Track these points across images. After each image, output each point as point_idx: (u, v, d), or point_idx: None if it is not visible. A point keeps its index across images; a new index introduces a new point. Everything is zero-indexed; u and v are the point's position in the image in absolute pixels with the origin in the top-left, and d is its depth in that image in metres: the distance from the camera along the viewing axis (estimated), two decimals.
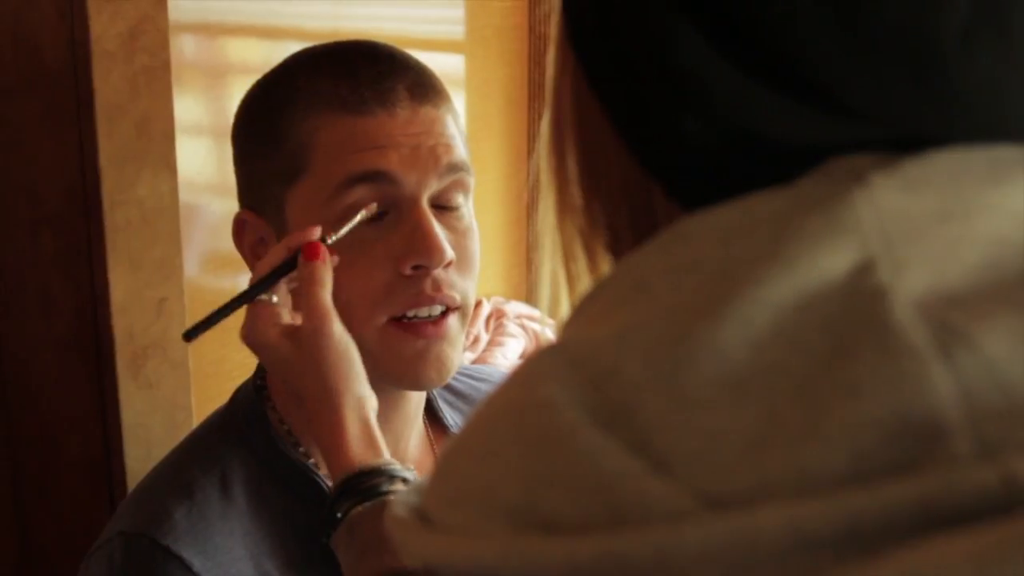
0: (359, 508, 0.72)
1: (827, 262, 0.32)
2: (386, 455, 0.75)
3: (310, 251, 0.78)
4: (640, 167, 0.39)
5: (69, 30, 1.09)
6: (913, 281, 0.32)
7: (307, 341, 0.76)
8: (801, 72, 0.35)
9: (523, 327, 1.85)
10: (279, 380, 0.83)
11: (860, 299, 0.31)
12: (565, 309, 0.45)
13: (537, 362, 0.35)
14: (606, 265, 0.43)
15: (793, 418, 0.30)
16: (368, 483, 0.73)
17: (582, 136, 0.42)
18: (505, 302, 1.92)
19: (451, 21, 1.88)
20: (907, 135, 0.35)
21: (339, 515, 0.73)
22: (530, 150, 2.02)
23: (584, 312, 0.38)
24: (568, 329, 0.38)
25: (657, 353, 0.32)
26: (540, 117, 1.87)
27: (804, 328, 0.31)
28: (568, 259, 0.44)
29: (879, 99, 0.35)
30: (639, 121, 0.39)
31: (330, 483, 0.86)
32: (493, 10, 1.91)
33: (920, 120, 0.35)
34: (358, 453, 0.74)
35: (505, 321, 1.84)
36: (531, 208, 1.85)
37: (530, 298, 2.04)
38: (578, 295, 0.44)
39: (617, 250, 0.42)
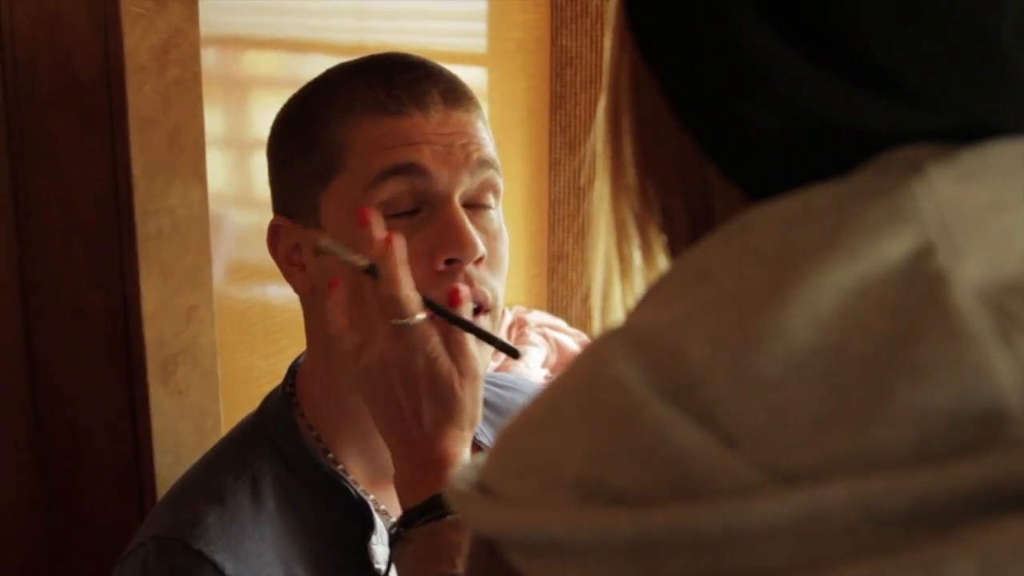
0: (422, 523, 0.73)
1: (887, 249, 0.33)
2: None
3: (453, 299, 0.79)
4: (696, 149, 0.40)
5: (103, 43, 1.11)
6: (972, 268, 0.32)
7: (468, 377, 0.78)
8: (863, 59, 0.35)
9: (545, 336, 1.86)
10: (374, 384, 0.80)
11: (921, 284, 0.32)
12: (616, 292, 0.45)
13: (603, 344, 0.36)
14: (659, 247, 0.43)
15: (859, 398, 0.31)
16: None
17: (639, 118, 0.42)
18: (527, 311, 1.93)
19: (474, 34, 1.90)
20: (965, 124, 0.36)
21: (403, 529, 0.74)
22: (552, 162, 2.03)
23: (649, 300, 0.38)
24: (633, 315, 0.39)
25: (721, 335, 0.33)
26: (562, 130, 1.88)
27: (867, 311, 0.32)
28: (621, 241, 0.44)
29: (938, 86, 0.35)
30: (698, 104, 0.39)
31: (359, 488, 0.87)
32: (515, 23, 1.93)
33: (978, 108, 0.36)
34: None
35: (527, 330, 1.85)
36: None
37: (552, 308, 2.05)
38: (631, 276, 0.45)
39: (671, 231, 0.43)
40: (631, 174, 0.43)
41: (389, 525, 0.76)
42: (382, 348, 0.77)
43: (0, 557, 1.20)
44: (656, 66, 0.40)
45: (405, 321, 0.77)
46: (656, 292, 0.38)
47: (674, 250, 0.43)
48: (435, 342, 0.77)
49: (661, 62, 0.40)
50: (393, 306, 0.77)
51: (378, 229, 0.80)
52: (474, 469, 0.38)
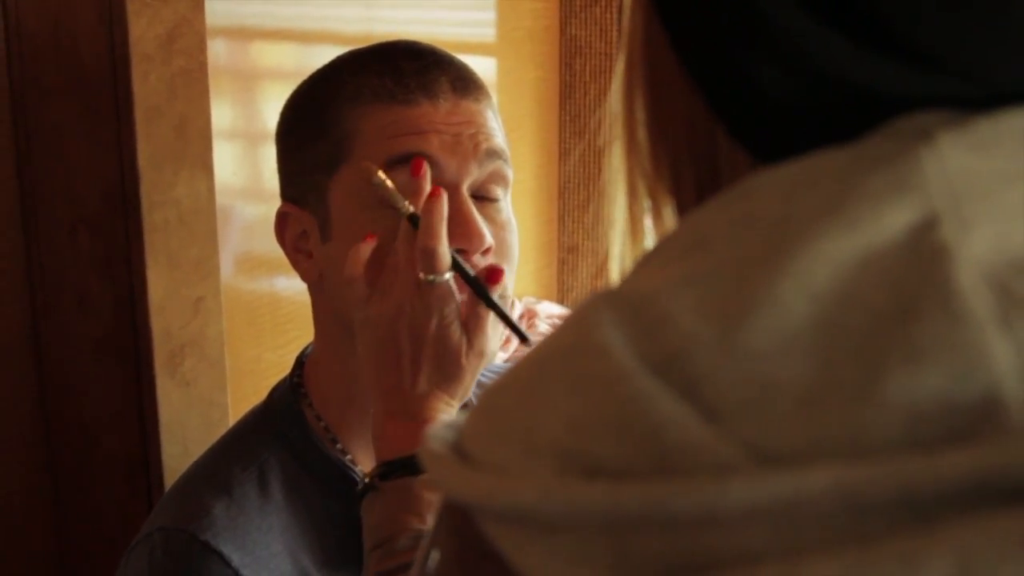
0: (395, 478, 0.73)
1: (890, 219, 0.32)
2: None
3: (494, 276, 0.79)
4: (705, 109, 0.39)
5: (108, 33, 1.10)
6: (978, 241, 0.31)
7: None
8: (876, 19, 0.34)
9: (554, 327, 1.86)
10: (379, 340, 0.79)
11: (923, 258, 0.31)
12: (628, 251, 0.44)
13: (590, 309, 0.35)
14: (668, 209, 0.42)
15: (850, 377, 0.30)
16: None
17: (651, 76, 0.41)
18: (536, 302, 1.92)
19: (482, 24, 1.89)
20: (981, 91, 0.34)
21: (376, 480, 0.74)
22: (561, 152, 2.02)
23: (645, 265, 0.37)
24: (627, 280, 0.37)
25: (711, 303, 0.32)
26: (571, 119, 1.87)
27: (865, 285, 0.31)
28: (632, 201, 0.43)
29: (954, 49, 0.34)
30: (709, 62, 0.38)
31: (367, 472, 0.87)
32: (524, 12, 1.92)
33: (995, 74, 0.34)
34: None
35: (536, 321, 1.85)
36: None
37: (561, 298, 2.04)
38: (641, 240, 0.44)
39: (679, 194, 0.42)
40: (642, 134, 0.42)
41: (361, 476, 0.76)
42: (399, 298, 0.77)
43: (9, 548, 1.20)
44: (668, 23, 0.40)
45: (433, 277, 0.76)
46: (653, 257, 0.37)
47: (682, 214, 0.42)
48: (453, 307, 0.77)
49: (673, 19, 0.39)
50: (427, 258, 0.76)
51: (427, 182, 0.79)
52: (452, 428, 0.37)
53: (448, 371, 0.77)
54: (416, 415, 0.76)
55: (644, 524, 0.30)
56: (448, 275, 0.77)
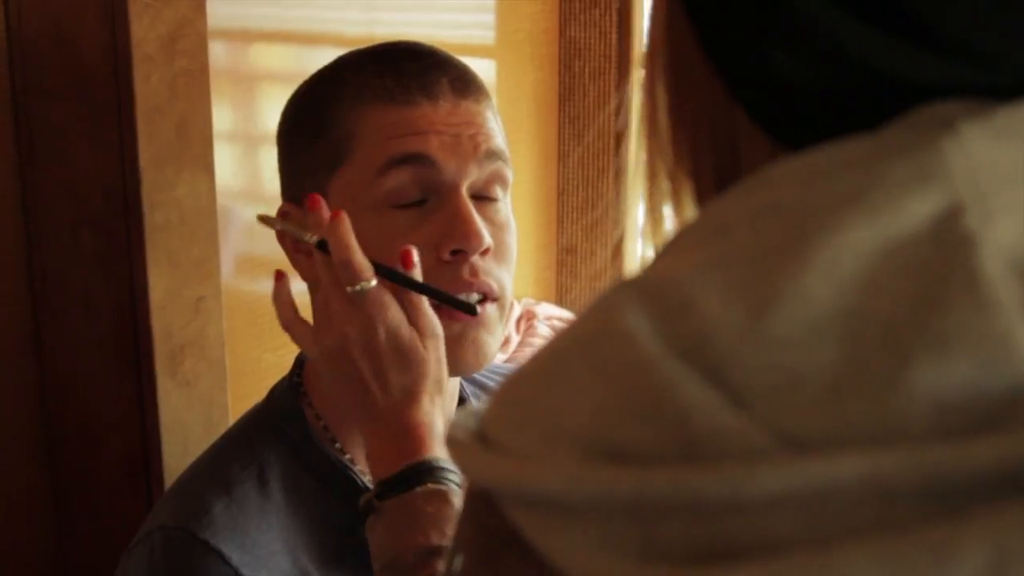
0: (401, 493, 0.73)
1: (914, 209, 0.32)
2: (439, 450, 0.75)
3: (406, 259, 0.79)
4: (725, 94, 0.39)
5: (110, 34, 1.10)
6: (1003, 230, 0.31)
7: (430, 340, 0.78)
8: (905, 6, 0.34)
9: (553, 328, 1.86)
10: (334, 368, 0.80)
11: (948, 247, 0.31)
12: (648, 238, 0.44)
13: (615, 295, 0.35)
14: (688, 196, 0.42)
15: (878, 365, 0.30)
16: (422, 472, 0.73)
17: (672, 58, 0.41)
18: (536, 304, 1.92)
19: (482, 26, 1.89)
20: (1006, 80, 0.34)
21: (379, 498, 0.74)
22: (560, 154, 2.02)
23: (667, 252, 0.37)
24: (650, 268, 0.37)
25: (736, 290, 0.32)
26: (570, 121, 1.87)
27: (890, 274, 0.31)
28: (652, 187, 0.43)
29: (979, 37, 0.34)
30: (730, 46, 0.38)
31: (366, 478, 0.87)
32: (523, 15, 1.92)
33: (1021, 59, 0.34)
34: (430, 446, 0.75)
35: (536, 322, 1.85)
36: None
37: (561, 300, 2.04)
38: (660, 224, 0.44)
39: (698, 179, 0.42)
40: (663, 118, 0.42)
41: (361, 498, 0.76)
42: (339, 324, 0.77)
43: (9, 547, 1.21)
44: (690, 6, 0.39)
45: (360, 286, 0.76)
46: (675, 244, 0.37)
47: (701, 202, 0.42)
48: (394, 310, 0.77)
49: (694, 2, 0.39)
50: (347, 271, 0.77)
51: (325, 210, 0.80)
52: (474, 417, 0.37)
53: (411, 366, 0.76)
54: (398, 427, 0.76)
55: (671, 510, 0.30)
56: (374, 280, 0.77)
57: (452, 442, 0.37)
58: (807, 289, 0.31)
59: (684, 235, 0.37)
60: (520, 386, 0.36)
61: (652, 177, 0.43)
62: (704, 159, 0.41)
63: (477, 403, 0.98)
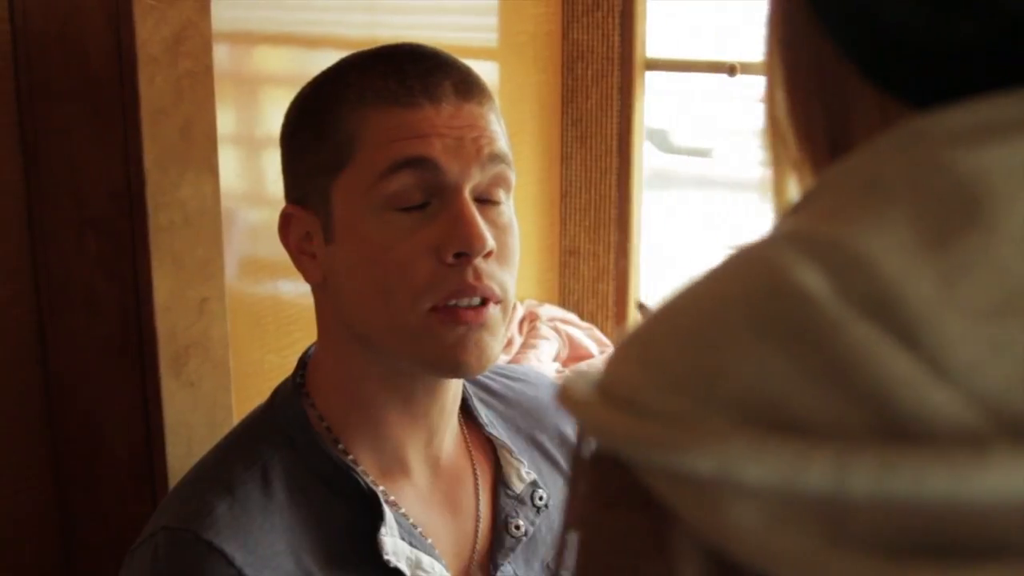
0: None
1: None
2: None
3: None
4: (835, 53, 0.37)
5: (115, 36, 1.11)
6: None
7: None
8: None
9: (556, 330, 1.86)
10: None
11: None
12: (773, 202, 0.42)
13: (771, 250, 0.32)
14: (806, 163, 0.40)
15: None
16: None
17: (785, 35, 0.40)
18: (538, 305, 1.93)
19: (485, 28, 1.89)
20: None
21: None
22: (563, 156, 2.03)
23: (807, 208, 0.34)
24: (789, 223, 0.34)
25: (917, 250, 0.29)
26: (573, 123, 1.87)
27: None
28: (775, 155, 0.41)
29: None
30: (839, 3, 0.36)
31: (369, 479, 0.87)
32: (526, 17, 1.92)
33: None
34: None
35: (538, 324, 1.85)
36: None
37: (563, 302, 2.04)
38: (785, 189, 0.42)
39: (811, 145, 0.40)
40: (777, 81, 0.40)
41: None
42: None
43: (14, 548, 1.21)
44: None
45: None
46: (816, 199, 0.34)
47: (814, 166, 0.40)
48: None
49: None
50: None
51: None
52: (585, 381, 0.34)
53: None
54: None
55: (876, 498, 0.27)
56: None
57: (573, 400, 0.33)
58: (1000, 260, 0.28)
59: (825, 188, 0.34)
60: (658, 346, 0.33)
61: (774, 145, 0.41)
62: (817, 123, 0.39)
63: (481, 405, 0.98)
